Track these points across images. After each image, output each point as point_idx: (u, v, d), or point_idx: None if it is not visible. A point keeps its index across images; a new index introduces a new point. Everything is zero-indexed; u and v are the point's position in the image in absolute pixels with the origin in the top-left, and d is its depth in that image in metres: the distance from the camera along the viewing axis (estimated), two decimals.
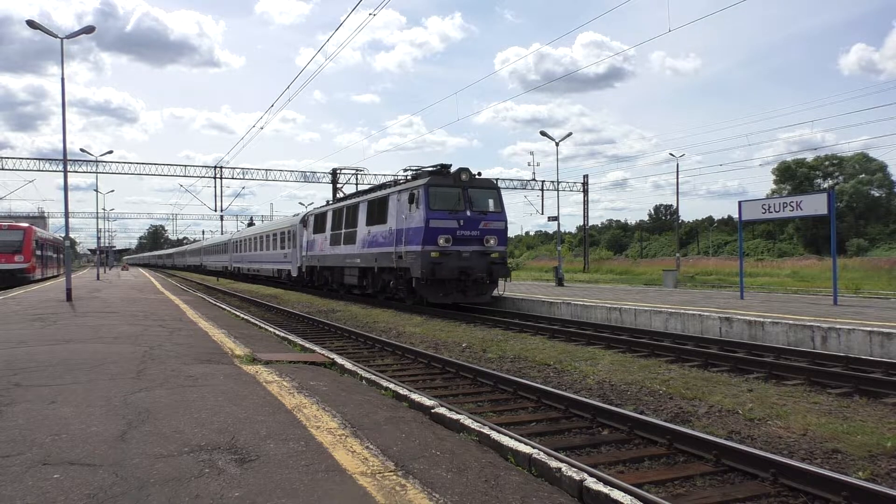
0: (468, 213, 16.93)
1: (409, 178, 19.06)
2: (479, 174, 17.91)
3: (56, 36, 18.47)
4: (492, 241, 16.97)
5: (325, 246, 24.51)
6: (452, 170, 17.87)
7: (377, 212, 19.66)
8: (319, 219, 25.87)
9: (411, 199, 17.07)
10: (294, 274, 29.54)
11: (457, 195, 17.06)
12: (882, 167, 66.75)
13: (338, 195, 29.71)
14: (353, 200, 22.32)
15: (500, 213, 17.56)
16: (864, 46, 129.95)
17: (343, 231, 22.53)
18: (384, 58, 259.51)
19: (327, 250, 24.27)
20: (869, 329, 9.43)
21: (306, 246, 27.45)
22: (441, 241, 16.34)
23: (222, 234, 65.07)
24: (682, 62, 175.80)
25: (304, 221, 28.25)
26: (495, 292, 17.79)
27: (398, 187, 18.52)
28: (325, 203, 28.19)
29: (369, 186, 26.54)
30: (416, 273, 16.61)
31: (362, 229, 20.63)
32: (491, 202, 17.55)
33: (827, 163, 68.85)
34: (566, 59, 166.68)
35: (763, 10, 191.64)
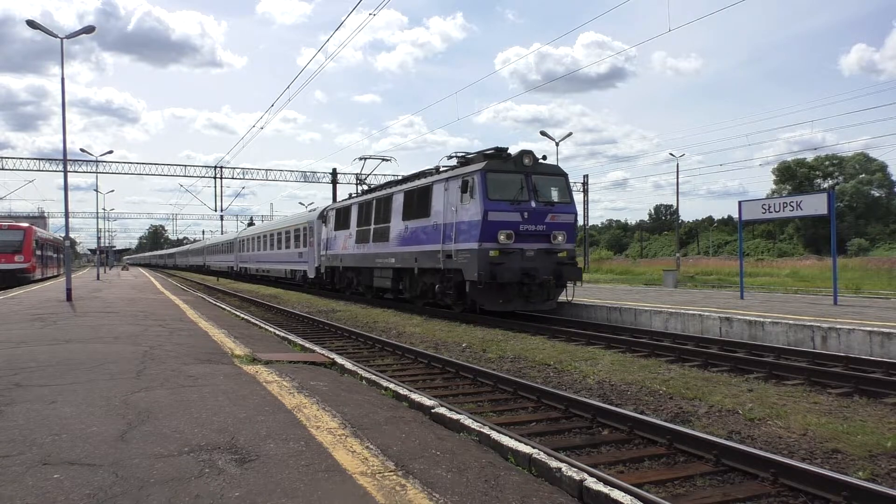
0: (533, 203, 14.32)
1: (456, 164, 16.27)
2: (544, 158, 15.19)
3: (56, 36, 18.47)
4: (560, 238, 14.51)
5: (350, 244, 21.94)
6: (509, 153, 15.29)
7: (417, 203, 16.99)
8: (342, 213, 23.11)
9: (464, 188, 14.49)
10: (311, 275, 27.08)
11: (519, 182, 14.46)
12: (882, 167, 66.91)
13: (359, 188, 26.39)
14: (386, 191, 19.54)
15: (570, 205, 15.03)
16: (864, 47, 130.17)
17: (372, 227, 19.93)
18: (385, 58, 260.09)
19: (352, 249, 21.76)
20: (869, 329, 9.43)
21: (326, 244, 24.77)
22: (502, 238, 13.85)
23: (223, 233, 64.75)
24: (684, 62, 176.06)
25: (322, 217, 25.75)
26: (562, 297, 15.29)
27: (445, 174, 15.86)
28: (346, 196, 25.13)
29: (367, 187, 24.16)
30: (470, 275, 14.15)
31: (398, 224, 18.05)
32: (558, 191, 15.00)
33: (827, 163, 68.94)
34: (567, 59, 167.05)
35: (763, 10, 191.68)
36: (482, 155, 15.15)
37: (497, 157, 14.90)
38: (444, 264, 15.28)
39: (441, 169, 16.86)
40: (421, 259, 16.57)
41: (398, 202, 18.24)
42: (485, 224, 13.85)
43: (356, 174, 25.66)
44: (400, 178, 19.95)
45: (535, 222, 14.33)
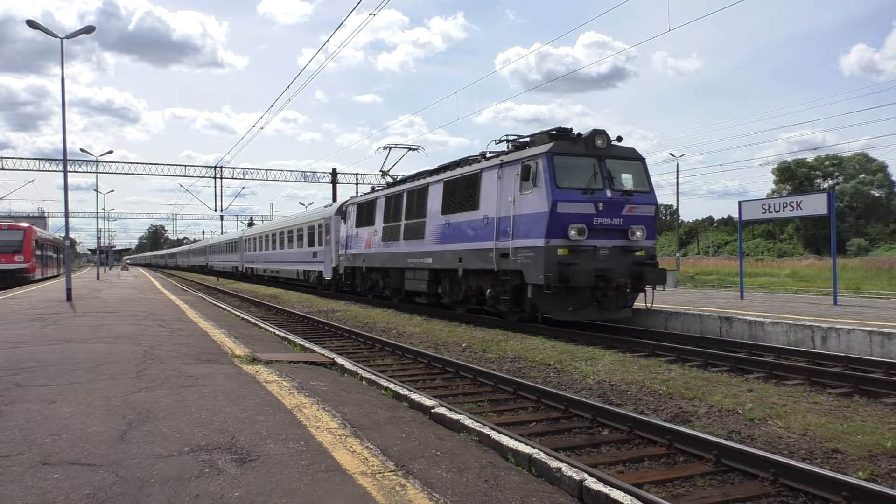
0: (608, 193, 12.21)
1: (508, 149, 14.00)
2: (620, 139, 13.07)
3: (56, 36, 18.49)
4: (638, 233, 12.40)
5: (375, 242, 19.73)
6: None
7: (461, 194, 14.86)
8: (365, 209, 20.92)
9: (525, 175, 12.33)
10: (327, 276, 24.93)
11: (591, 168, 12.33)
12: (882, 167, 66.91)
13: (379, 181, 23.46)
14: (419, 182, 17.26)
15: (649, 194, 12.83)
16: (864, 47, 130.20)
17: (403, 223, 17.81)
18: (386, 58, 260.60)
19: (378, 247, 19.55)
20: (869, 329, 9.43)
21: (346, 242, 22.54)
22: (572, 233, 11.78)
23: (223, 233, 64.55)
24: (684, 62, 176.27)
25: (342, 212, 23.60)
26: (639, 303, 13.10)
27: (498, 159, 13.69)
28: (369, 190, 22.89)
29: (392, 179, 21.43)
30: (533, 278, 12.09)
31: (436, 219, 15.95)
32: (635, 178, 12.85)
33: (827, 163, 68.95)
34: (568, 59, 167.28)
35: (763, 10, 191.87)
36: (546, 135, 12.89)
37: (565, 138, 12.70)
38: (499, 265, 13.18)
39: (488, 155, 14.78)
40: (467, 259, 14.51)
41: (436, 194, 16.07)
42: (553, 217, 11.77)
43: (380, 170, 22.58)
44: (434, 168, 17.62)
45: (611, 215, 12.24)
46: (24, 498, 3.21)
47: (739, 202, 16.23)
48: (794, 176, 69.32)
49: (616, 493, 3.59)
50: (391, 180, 21.39)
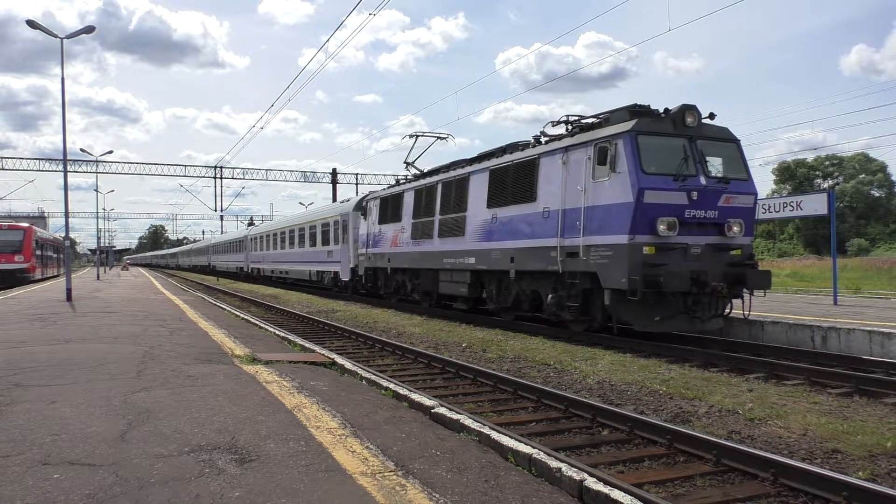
0: (702, 180, 10.31)
1: (571, 131, 11.93)
2: (712, 116, 11.00)
3: (56, 36, 18.51)
4: (735, 229, 10.52)
5: (403, 240, 17.82)
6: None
7: (513, 184, 12.87)
8: (390, 203, 18.94)
9: (602, 158, 10.46)
10: (344, 277, 23.15)
11: (681, 150, 10.40)
12: (882, 167, 66.84)
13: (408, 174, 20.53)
14: (457, 172, 15.35)
15: (748, 182, 10.92)
16: (864, 47, 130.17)
17: (438, 218, 15.95)
18: (386, 58, 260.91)
19: (406, 246, 17.61)
20: (869, 329, 9.43)
21: (366, 241, 20.67)
22: (662, 228, 9.92)
23: (223, 233, 64.46)
24: (685, 62, 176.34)
25: (361, 208, 21.89)
26: (735, 311, 10.94)
27: (563, 142, 11.64)
28: (393, 182, 21.01)
29: (419, 171, 19.31)
30: (612, 281, 10.22)
31: (479, 213, 14.02)
32: (731, 163, 10.92)
33: (827, 163, 68.90)
34: (568, 59, 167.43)
35: (763, 10, 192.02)
36: (626, 111, 10.86)
37: (647, 114, 10.70)
38: (564, 266, 11.23)
39: (544, 140, 12.80)
40: (521, 258, 12.56)
41: (479, 184, 14.12)
42: (639, 208, 9.89)
43: (405, 160, 20.56)
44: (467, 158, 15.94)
45: (705, 206, 10.37)
46: (24, 498, 3.21)
47: None
48: (794, 176, 69.30)
49: (616, 493, 3.59)
50: (417, 172, 19.59)
